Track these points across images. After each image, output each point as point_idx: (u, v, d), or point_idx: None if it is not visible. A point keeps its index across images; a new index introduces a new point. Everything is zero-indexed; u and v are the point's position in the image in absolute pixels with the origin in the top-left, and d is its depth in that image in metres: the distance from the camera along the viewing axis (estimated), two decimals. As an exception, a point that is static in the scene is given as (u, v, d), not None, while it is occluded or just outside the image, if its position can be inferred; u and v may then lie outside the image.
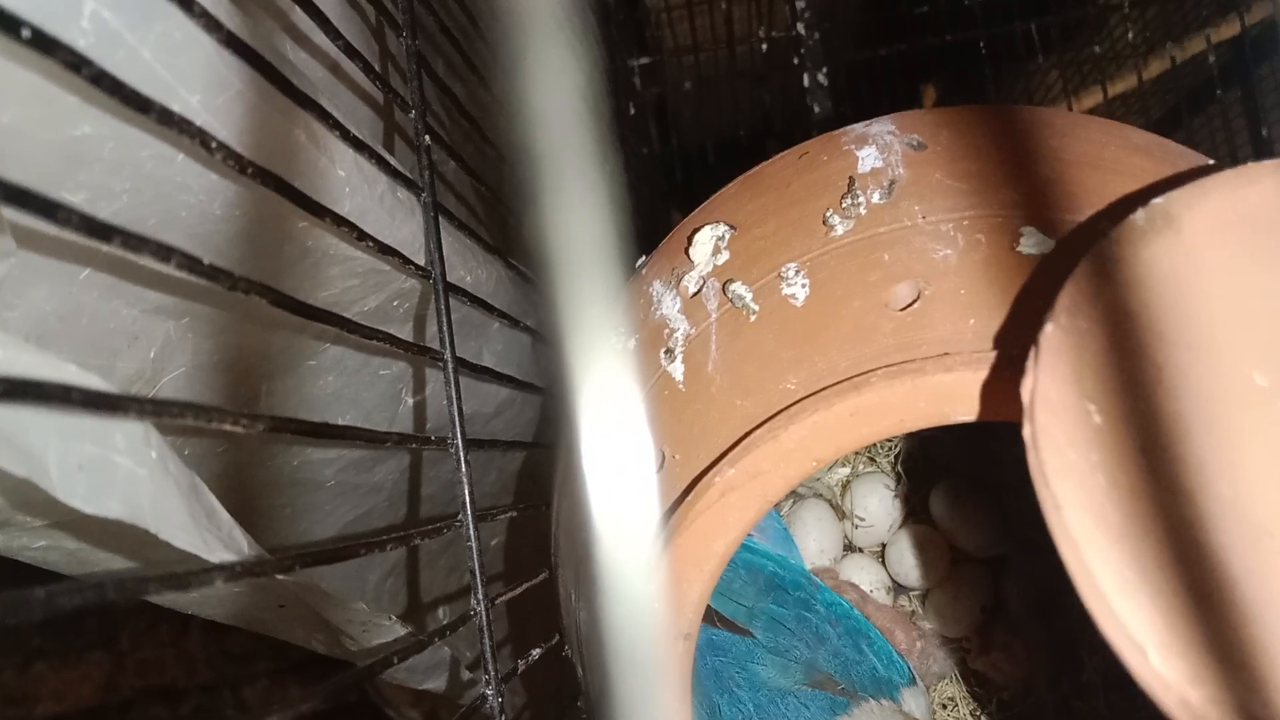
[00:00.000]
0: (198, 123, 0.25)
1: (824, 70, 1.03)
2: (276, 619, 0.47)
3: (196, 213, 0.34)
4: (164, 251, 0.22)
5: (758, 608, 0.50)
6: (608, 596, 0.15)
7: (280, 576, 0.38)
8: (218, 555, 0.32)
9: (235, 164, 0.27)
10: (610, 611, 0.15)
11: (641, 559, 0.15)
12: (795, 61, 1.04)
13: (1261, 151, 1.04)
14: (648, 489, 0.15)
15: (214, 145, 0.26)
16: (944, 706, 0.56)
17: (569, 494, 0.44)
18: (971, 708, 0.56)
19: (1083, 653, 0.55)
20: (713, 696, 0.48)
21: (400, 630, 0.46)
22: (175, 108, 0.25)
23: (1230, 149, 1.09)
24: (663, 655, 0.16)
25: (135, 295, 0.35)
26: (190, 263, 0.24)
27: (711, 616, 0.50)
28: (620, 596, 0.15)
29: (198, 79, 0.30)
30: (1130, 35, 1.06)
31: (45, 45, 0.20)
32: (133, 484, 0.28)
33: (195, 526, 0.31)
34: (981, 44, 1.05)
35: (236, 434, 0.43)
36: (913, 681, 0.50)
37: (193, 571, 0.20)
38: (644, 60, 1.12)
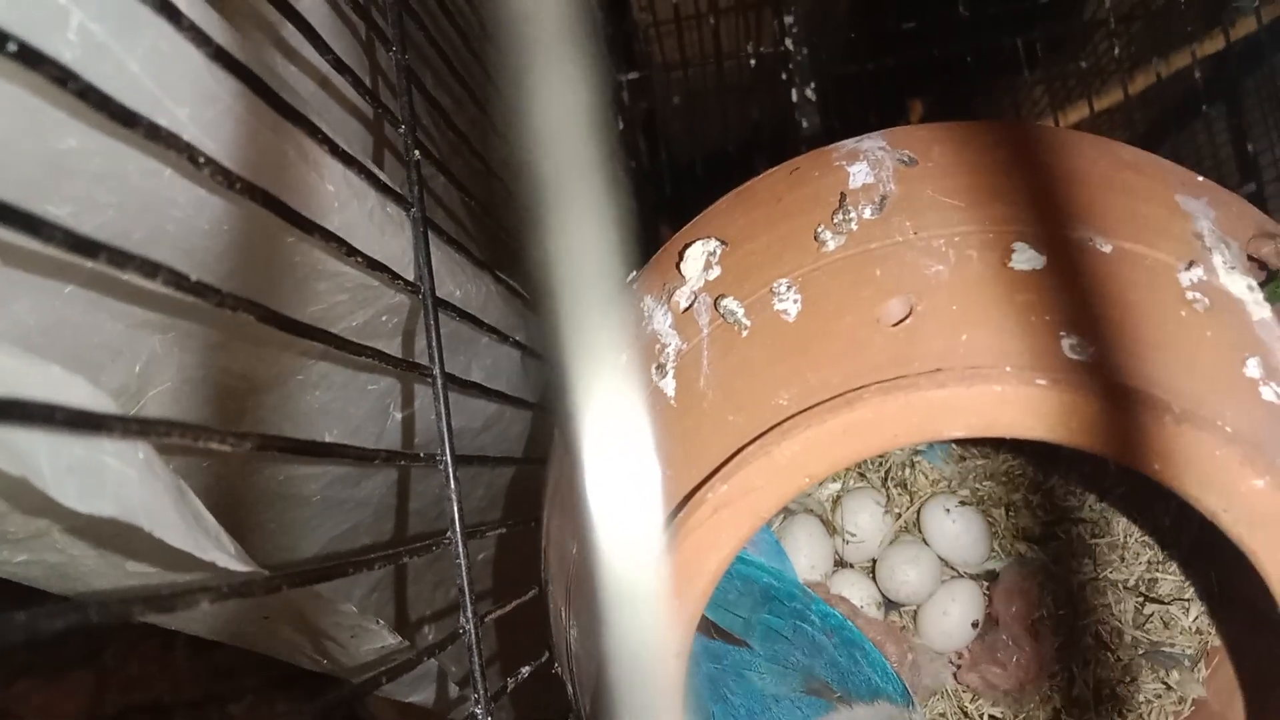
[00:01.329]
0: (186, 137, 0.25)
1: (812, 85, 1.03)
2: (260, 631, 0.47)
3: (184, 227, 0.34)
4: (150, 268, 0.22)
5: (754, 618, 0.50)
6: (611, 618, 0.15)
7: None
8: (210, 554, 0.32)
9: (223, 179, 0.27)
10: (613, 632, 0.15)
11: (645, 580, 0.15)
12: (784, 77, 1.04)
13: (1247, 168, 1.05)
14: (652, 509, 0.15)
15: (202, 160, 0.26)
16: (935, 723, 0.56)
17: (560, 512, 0.44)
18: (963, 724, 0.55)
19: (1074, 666, 0.55)
20: (707, 704, 0.48)
21: (389, 637, 0.46)
22: (163, 121, 0.24)
23: (1215, 163, 1.09)
24: (666, 676, 0.15)
25: (120, 310, 0.35)
26: (177, 279, 0.23)
27: (707, 627, 0.50)
28: (623, 618, 0.15)
29: (186, 92, 0.30)
30: (1116, 51, 1.07)
31: (31, 59, 0.20)
32: (123, 484, 0.28)
33: (186, 526, 0.31)
34: (969, 59, 1.05)
35: (224, 452, 0.42)
36: (908, 701, 0.50)
37: (178, 593, 0.20)
38: (633, 75, 1.12)
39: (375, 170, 0.40)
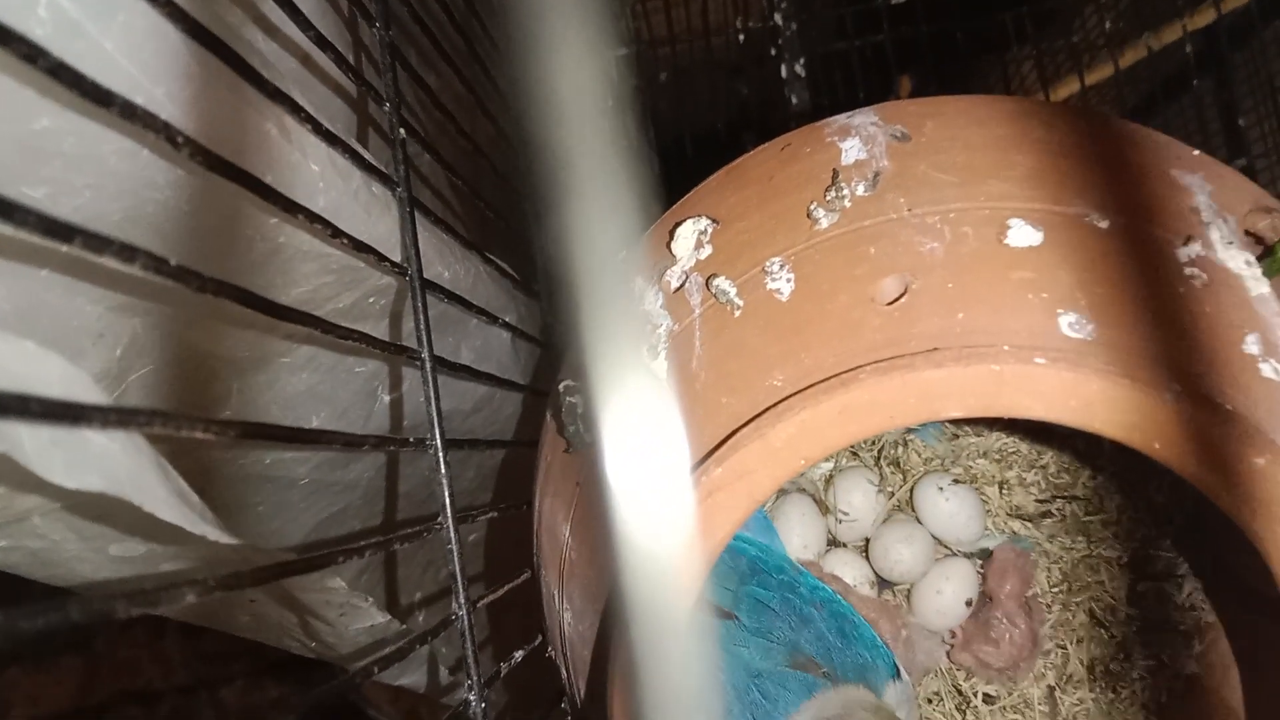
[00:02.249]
0: (163, 116, 0.24)
1: (801, 61, 1.02)
2: (247, 614, 0.46)
3: (163, 209, 0.33)
4: (128, 252, 0.21)
5: (742, 591, 0.49)
6: (616, 599, 0.15)
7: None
8: (200, 528, 0.31)
9: (203, 160, 0.26)
10: (620, 611, 0.15)
11: (649, 566, 0.14)
12: (772, 52, 1.03)
13: (1236, 142, 1.04)
14: (682, 495, 0.14)
15: (180, 140, 0.25)
16: (929, 701, 0.56)
17: (552, 494, 0.44)
18: (957, 701, 0.55)
19: (1067, 644, 0.55)
20: None
21: (378, 615, 0.45)
22: (139, 101, 0.24)
23: (1204, 138, 1.09)
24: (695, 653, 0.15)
25: (100, 293, 0.34)
26: (157, 263, 0.23)
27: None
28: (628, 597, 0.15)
29: (163, 71, 0.29)
30: (1106, 25, 1.06)
31: (-1, 36, 0.19)
32: (107, 457, 0.27)
33: (174, 500, 0.31)
34: (958, 35, 1.04)
35: (209, 440, 0.42)
36: (896, 674, 0.50)
37: (162, 588, 0.19)
38: (621, 51, 1.10)
39: (360, 150, 0.39)
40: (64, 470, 0.25)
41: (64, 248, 0.20)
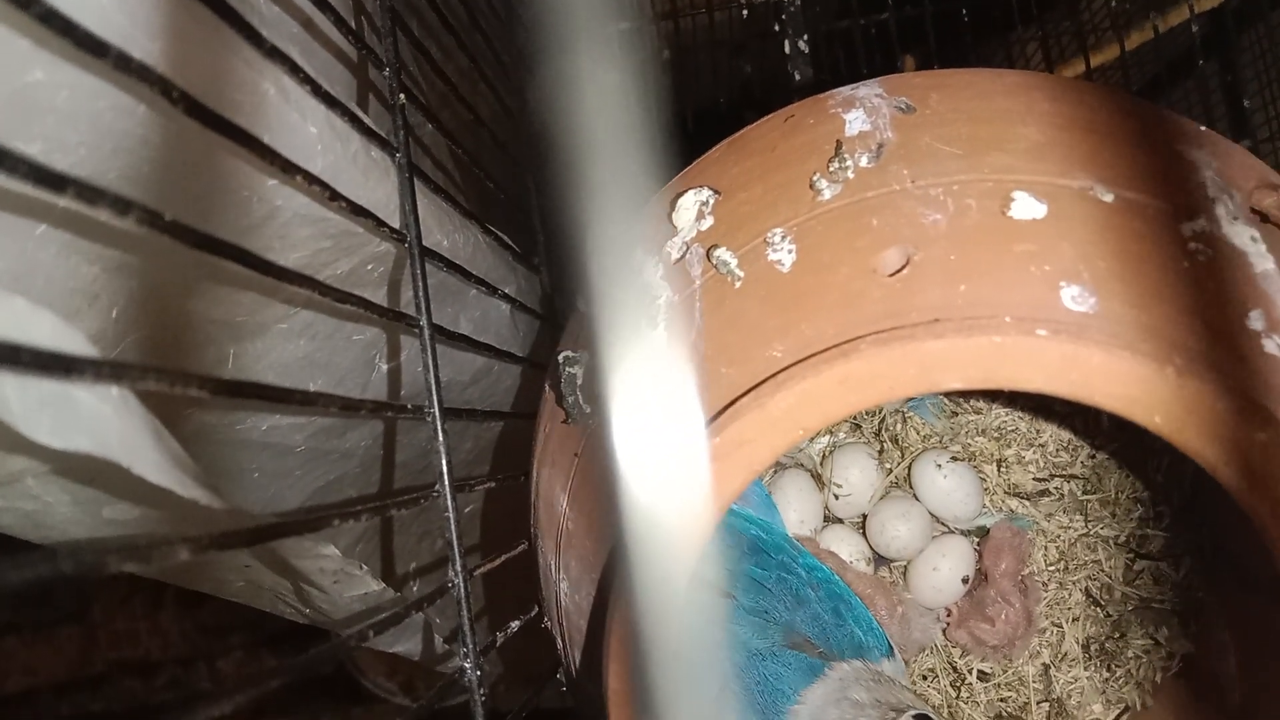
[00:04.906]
0: (159, 71, 0.24)
1: (805, 37, 1.01)
2: (241, 581, 0.46)
3: (160, 168, 0.33)
4: (122, 205, 0.21)
5: (739, 569, 0.49)
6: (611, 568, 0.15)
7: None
8: (192, 491, 0.31)
9: (200, 117, 0.26)
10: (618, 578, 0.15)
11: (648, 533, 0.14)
12: (776, 28, 1.03)
13: (1240, 125, 1.04)
14: (691, 460, 0.14)
15: (176, 95, 0.25)
16: (924, 678, 0.56)
17: (550, 465, 0.43)
18: (952, 678, 0.55)
19: (1063, 622, 0.55)
20: None
21: (372, 582, 0.45)
22: (135, 54, 0.23)
23: (1209, 119, 1.08)
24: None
25: (96, 252, 0.34)
26: (151, 218, 0.22)
27: None
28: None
29: (159, 25, 0.29)
30: (1112, 5, 1.06)
31: (-10, -20, 0.19)
32: (97, 419, 0.27)
33: (166, 463, 0.30)
34: (964, 12, 1.04)
35: (203, 398, 0.41)
36: (890, 653, 0.50)
37: (155, 544, 0.19)
38: (624, 26, 1.10)
39: (359, 113, 0.39)
40: (52, 430, 0.25)
41: (60, 201, 0.20)
